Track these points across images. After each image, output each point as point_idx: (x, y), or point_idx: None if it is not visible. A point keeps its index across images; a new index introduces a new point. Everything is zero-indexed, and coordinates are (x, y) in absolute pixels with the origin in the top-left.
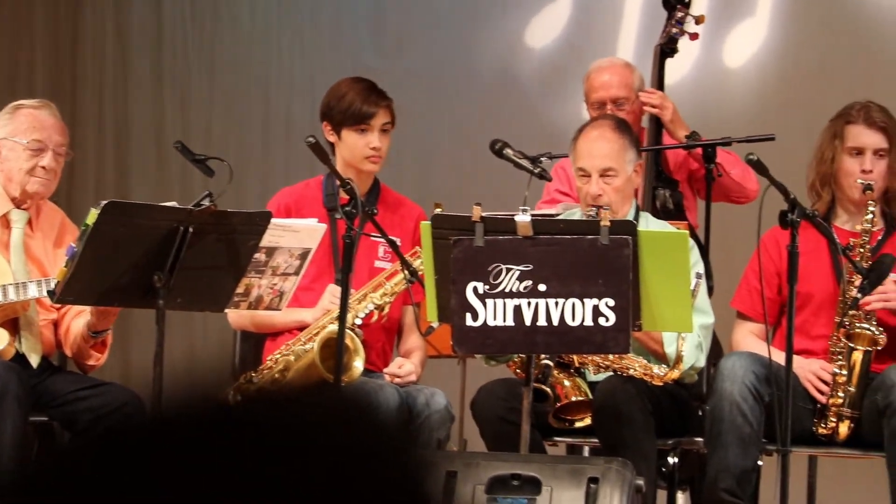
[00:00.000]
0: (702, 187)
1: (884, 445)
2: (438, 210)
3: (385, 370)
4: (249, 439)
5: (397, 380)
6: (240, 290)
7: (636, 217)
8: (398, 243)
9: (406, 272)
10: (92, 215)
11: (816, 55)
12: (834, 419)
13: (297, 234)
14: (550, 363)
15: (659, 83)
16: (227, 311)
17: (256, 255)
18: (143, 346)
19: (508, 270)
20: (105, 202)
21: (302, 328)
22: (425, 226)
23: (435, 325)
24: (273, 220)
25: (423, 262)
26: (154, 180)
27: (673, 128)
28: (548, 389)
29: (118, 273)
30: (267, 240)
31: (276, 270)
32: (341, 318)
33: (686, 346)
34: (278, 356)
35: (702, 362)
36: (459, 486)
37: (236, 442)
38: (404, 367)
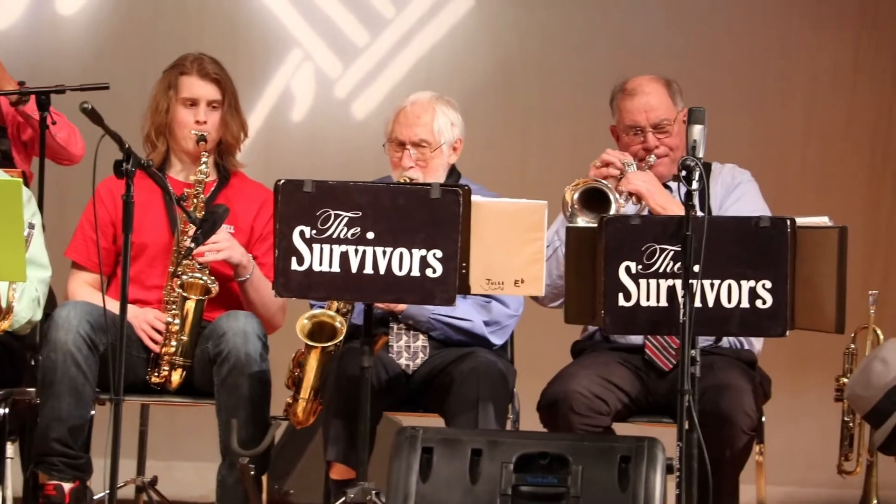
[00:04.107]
0: (34, 139)
1: (215, 394)
2: None
3: None
4: None
5: None
6: None
7: None
8: None
9: None
10: None
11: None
12: (167, 368)
13: None
14: None
15: None
16: None
17: None
18: None
19: None
20: None
21: None
22: None
23: None
24: None
25: None
26: None
27: None
28: None
29: None
30: None
31: None
32: None
33: (23, 301)
34: None
35: (38, 316)
36: None
37: None
38: None
